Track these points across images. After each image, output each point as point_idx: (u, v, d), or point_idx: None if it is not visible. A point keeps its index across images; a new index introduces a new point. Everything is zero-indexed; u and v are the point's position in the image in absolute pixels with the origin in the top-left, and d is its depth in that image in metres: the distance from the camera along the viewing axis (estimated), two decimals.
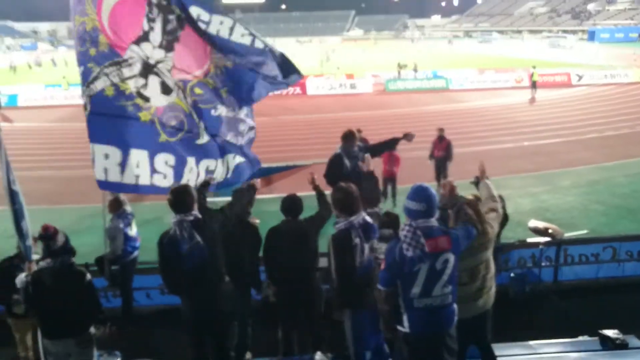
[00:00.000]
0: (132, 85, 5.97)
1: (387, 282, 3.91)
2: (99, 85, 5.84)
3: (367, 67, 45.67)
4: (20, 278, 4.83)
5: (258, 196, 5.92)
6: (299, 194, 5.61)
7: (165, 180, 6.14)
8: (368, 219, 4.68)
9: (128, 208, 7.52)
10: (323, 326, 5.55)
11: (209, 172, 6.43)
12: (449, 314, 3.96)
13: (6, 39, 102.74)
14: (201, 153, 6.41)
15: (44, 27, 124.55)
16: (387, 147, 8.03)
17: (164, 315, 7.35)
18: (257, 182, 5.84)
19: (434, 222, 3.88)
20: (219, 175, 6.64)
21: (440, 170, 13.49)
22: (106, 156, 5.84)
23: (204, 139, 6.41)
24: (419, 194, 3.86)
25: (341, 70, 39.77)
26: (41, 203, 13.27)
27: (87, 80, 5.86)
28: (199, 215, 4.69)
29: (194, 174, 6.32)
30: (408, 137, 7.58)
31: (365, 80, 37.84)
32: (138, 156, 5.96)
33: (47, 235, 4.65)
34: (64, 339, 4.73)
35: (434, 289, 3.83)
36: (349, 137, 7.42)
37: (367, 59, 61.06)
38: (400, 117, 25.40)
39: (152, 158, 6.06)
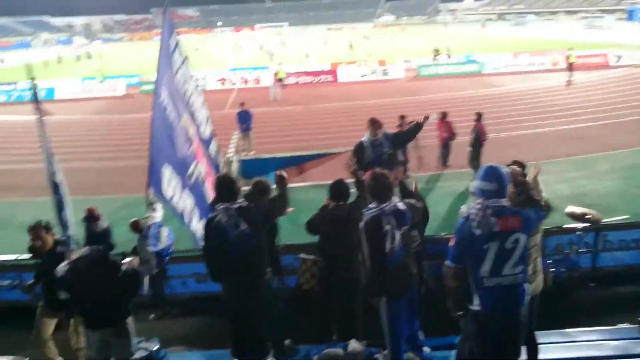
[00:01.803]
0: None
1: (456, 258, 3.95)
2: (198, 170, 6.10)
3: (399, 53, 45.25)
4: (61, 267, 4.97)
5: (291, 185, 5.94)
6: (330, 182, 5.61)
7: None
8: (400, 206, 4.65)
9: (157, 215, 7.44)
10: (360, 313, 5.57)
11: None
12: (519, 292, 3.94)
13: (43, 34, 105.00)
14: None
15: (78, 21, 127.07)
16: (408, 136, 7.99)
17: (199, 303, 7.46)
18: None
19: (504, 202, 3.89)
20: None
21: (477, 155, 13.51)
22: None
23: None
24: (490, 174, 3.89)
25: (373, 57, 39.49)
26: (77, 194, 13.50)
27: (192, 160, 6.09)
28: (244, 204, 4.73)
29: None
30: (427, 119, 7.69)
31: (397, 66, 37.50)
32: None
33: (90, 216, 4.76)
34: (102, 328, 4.84)
35: (503, 268, 3.83)
36: (371, 124, 7.50)
37: (398, 44, 60.47)
38: (433, 103, 25.08)
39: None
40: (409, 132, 8.00)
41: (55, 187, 5.12)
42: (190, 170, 5.92)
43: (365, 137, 7.59)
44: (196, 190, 5.94)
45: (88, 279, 4.69)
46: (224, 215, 4.59)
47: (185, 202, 5.53)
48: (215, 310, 5.94)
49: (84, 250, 4.77)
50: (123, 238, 7.37)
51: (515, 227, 3.82)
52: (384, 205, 4.58)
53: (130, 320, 5.02)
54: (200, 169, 6.14)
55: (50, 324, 5.87)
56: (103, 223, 4.82)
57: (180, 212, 5.42)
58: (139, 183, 7.08)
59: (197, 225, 5.59)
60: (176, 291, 7.76)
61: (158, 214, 7.50)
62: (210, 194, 6.05)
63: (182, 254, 7.74)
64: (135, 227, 7.26)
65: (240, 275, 4.71)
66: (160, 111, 5.48)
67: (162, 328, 6.75)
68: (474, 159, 13.62)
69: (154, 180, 5.11)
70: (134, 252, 7.17)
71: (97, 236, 4.76)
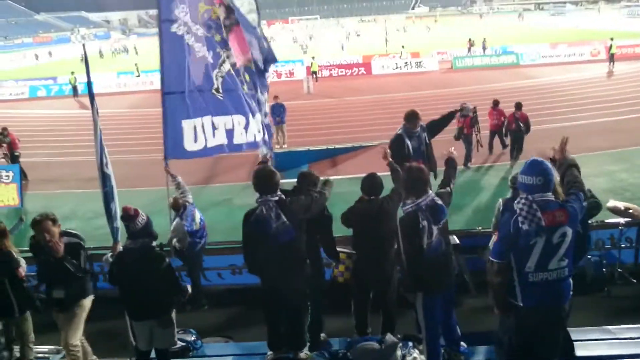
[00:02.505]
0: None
1: (501, 254, 3.89)
2: (225, 67, 6.69)
3: (433, 45, 44.73)
4: (107, 258, 5.05)
5: (324, 178, 5.94)
6: (362, 175, 5.58)
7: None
8: (437, 200, 4.60)
9: (189, 199, 7.61)
10: (395, 307, 5.54)
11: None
12: (564, 287, 3.89)
13: (81, 29, 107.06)
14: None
15: (115, 16, 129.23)
16: (443, 124, 7.87)
17: (235, 295, 7.53)
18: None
19: (550, 196, 3.81)
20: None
21: (515, 145, 14.03)
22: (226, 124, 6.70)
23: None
24: (535, 168, 3.81)
25: (406, 49, 39.13)
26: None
27: (217, 63, 6.65)
28: (283, 196, 4.76)
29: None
30: (464, 110, 7.55)
31: (431, 58, 37.14)
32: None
33: (127, 216, 4.81)
34: (146, 320, 4.93)
35: (550, 263, 3.77)
36: (411, 117, 7.35)
37: (432, 36, 59.80)
38: (468, 96, 24.73)
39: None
40: (442, 120, 7.86)
41: (105, 179, 5.21)
42: (214, 82, 6.35)
43: (401, 129, 7.44)
44: (229, 94, 6.65)
45: (134, 272, 4.77)
46: (264, 207, 4.62)
47: (220, 130, 6.36)
48: (251, 302, 5.98)
49: (129, 242, 4.84)
50: (158, 230, 7.49)
51: (562, 222, 3.74)
52: (420, 200, 4.53)
53: (173, 311, 5.10)
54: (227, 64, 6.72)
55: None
56: (142, 216, 4.87)
57: (220, 145, 5.97)
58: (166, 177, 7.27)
59: (245, 132, 6.54)
60: (212, 283, 7.86)
61: (190, 195, 7.63)
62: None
63: (218, 246, 7.82)
64: (175, 205, 7.41)
65: (279, 267, 4.73)
66: (172, 41, 6.22)
67: (198, 319, 6.83)
68: (512, 149, 13.99)
69: (170, 147, 5.64)
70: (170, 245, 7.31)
71: (138, 233, 4.82)
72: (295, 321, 5.04)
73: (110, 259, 5.04)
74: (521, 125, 13.70)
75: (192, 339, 5.83)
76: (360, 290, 5.56)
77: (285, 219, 4.59)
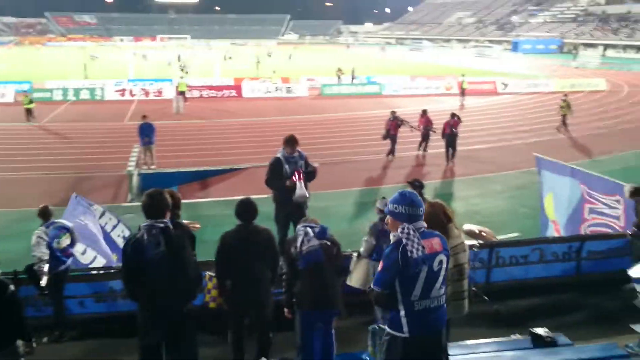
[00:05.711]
0: None
1: (385, 283, 3.81)
2: None
3: (302, 71, 45.83)
4: None
5: (194, 200, 5.84)
6: (234, 197, 5.55)
7: None
8: (325, 226, 5.06)
9: (63, 222, 7.13)
10: (270, 331, 5.53)
11: None
12: (442, 313, 3.98)
13: None
14: None
15: None
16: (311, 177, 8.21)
17: (99, 324, 7.09)
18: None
19: (424, 224, 3.88)
20: None
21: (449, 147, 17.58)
22: None
23: None
24: (412, 197, 3.86)
25: (277, 74, 39.75)
26: None
27: None
28: (170, 225, 4.52)
29: None
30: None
31: (300, 84, 38.03)
32: None
33: None
34: None
35: (432, 291, 3.83)
36: (290, 141, 7.57)
37: (301, 63, 61.30)
38: (336, 122, 25.68)
39: None
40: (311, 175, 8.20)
41: None
42: None
43: (280, 152, 7.71)
44: None
45: None
46: (146, 232, 4.40)
47: None
48: (118, 331, 5.67)
49: None
50: (12, 255, 6.87)
51: (437, 249, 3.86)
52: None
53: (19, 343, 4.65)
54: None
55: None
56: None
57: None
58: (31, 196, 6.70)
59: None
60: (73, 312, 7.32)
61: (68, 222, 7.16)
62: None
63: (80, 273, 7.34)
64: (43, 213, 6.88)
65: (158, 295, 4.50)
66: None
67: (56, 351, 6.34)
68: (447, 151, 17.68)
69: None
70: (28, 272, 6.73)
71: None
72: (176, 351, 4.80)
73: None
74: (454, 129, 17.20)
75: None
76: (235, 316, 5.50)
77: (163, 248, 4.39)
